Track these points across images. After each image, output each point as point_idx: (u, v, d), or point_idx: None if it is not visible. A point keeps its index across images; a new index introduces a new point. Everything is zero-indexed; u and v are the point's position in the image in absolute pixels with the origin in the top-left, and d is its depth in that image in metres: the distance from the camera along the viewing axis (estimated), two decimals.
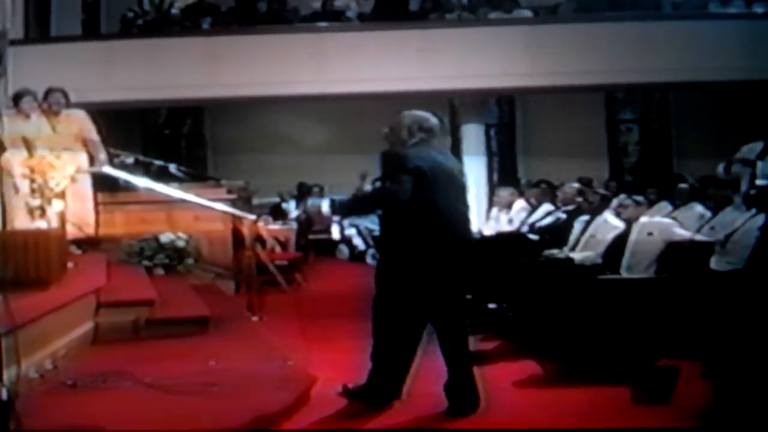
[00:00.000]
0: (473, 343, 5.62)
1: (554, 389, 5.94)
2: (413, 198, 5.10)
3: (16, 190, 8.06)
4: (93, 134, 9.27)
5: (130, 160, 9.48)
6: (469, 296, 5.61)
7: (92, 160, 9.16)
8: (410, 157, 5.18)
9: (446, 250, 5.20)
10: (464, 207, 5.50)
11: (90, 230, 9.19)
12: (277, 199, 15.48)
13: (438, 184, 5.19)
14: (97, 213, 9.32)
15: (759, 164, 8.44)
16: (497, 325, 7.57)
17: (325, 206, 5.40)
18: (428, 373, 5.48)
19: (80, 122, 9.26)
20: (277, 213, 14.57)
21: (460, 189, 5.48)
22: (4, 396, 4.16)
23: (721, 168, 8.95)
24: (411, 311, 5.27)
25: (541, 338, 6.67)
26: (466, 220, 5.49)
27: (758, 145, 8.62)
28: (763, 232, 6.40)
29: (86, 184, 9.11)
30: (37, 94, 9.04)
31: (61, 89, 9.23)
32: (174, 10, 15.56)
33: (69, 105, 9.27)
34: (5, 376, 4.25)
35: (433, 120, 5.49)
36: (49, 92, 9.16)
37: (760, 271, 6.07)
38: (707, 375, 5.26)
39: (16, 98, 8.84)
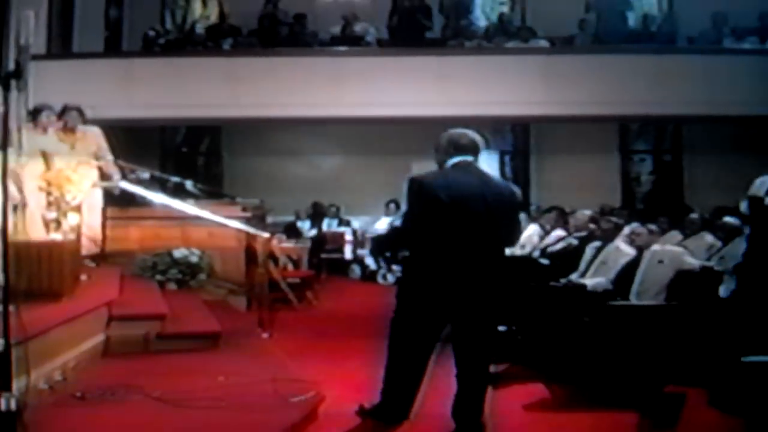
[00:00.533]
0: None
1: (562, 413, 5.95)
2: (431, 224, 5.13)
3: (15, 199, 7.90)
4: (108, 154, 9.36)
5: (145, 175, 9.53)
6: (496, 323, 5.54)
7: (103, 177, 9.23)
8: (431, 186, 5.19)
9: (460, 276, 5.14)
10: (489, 235, 5.22)
11: (97, 241, 9.25)
12: (291, 218, 15.52)
13: (458, 212, 5.12)
14: (104, 226, 9.39)
15: None
16: (507, 349, 7.55)
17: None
18: (437, 394, 5.48)
19: (97, 141, 9.34)
20: (292, 232, 14.62)
21: (490, 216, 5.20)
22: (13, 406, 4.19)
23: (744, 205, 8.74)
24: (426, 330, 5.27)
25: (550, 362, 6.67)
26: (487, 250, 5.23)
27: None
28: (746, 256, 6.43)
29: (97, 196, 9.19)
30: (55, 109, 9.13)
31: (77, 107, 9.31)
32: (197, 30, 15.71)
33: (85, 121, 9.35)
34: (15, 387, 4.26)
35: (470, 136, 5.43)
36: (65, 110, 9.24)
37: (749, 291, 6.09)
38: (713, 402, 5.27)
39: (35, 112, 8.88)
